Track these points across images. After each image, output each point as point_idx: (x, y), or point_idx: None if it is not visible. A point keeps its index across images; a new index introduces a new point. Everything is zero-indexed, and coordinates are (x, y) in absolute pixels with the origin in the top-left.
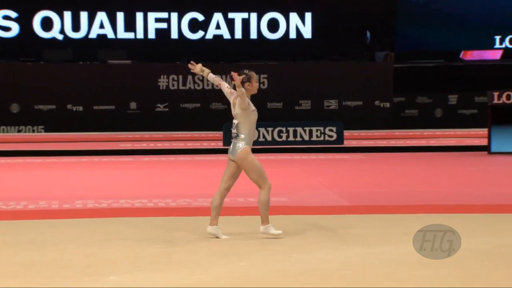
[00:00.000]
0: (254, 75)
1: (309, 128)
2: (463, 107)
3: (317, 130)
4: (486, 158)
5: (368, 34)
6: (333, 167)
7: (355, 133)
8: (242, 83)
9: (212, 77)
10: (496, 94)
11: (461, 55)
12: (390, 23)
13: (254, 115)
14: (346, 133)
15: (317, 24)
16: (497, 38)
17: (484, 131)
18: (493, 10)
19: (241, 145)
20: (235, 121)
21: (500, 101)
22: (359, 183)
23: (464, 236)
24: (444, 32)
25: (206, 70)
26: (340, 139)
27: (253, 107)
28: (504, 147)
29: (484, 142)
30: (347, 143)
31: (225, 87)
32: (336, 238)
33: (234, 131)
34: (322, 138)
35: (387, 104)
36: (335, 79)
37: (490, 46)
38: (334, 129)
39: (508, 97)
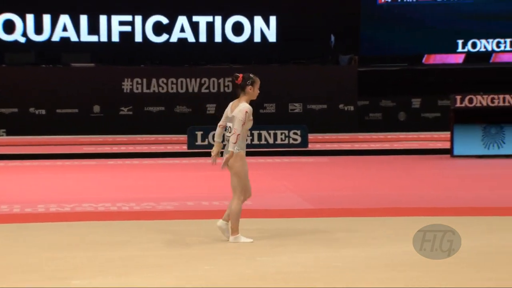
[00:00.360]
0: (258, 81)
1: (273, 131)
2: (426, 110)
3: (281, 134)
4: (449, 161)
5: (333, 37)
6: (298, 170)
7: (320, 136)
8: (245, 85)
9: (219, 134)
10: (458, 97)
11: (424, 59)
12: (355, 27)
13: (249, 124)
14: (311, 136)
15: (282, 27)
16: (460, 42)
17: (447, 134)
18: (455, 14)
19: (234, 149)
20: (229, 125)
21: (463, 105)
22: (323, 186)
23: None
24: (407, 36)
25: (218, 146)
26: (305, 142)
27: (251, 116)
28: (466, 150)
29: (447, 145)
30: (311, 147)
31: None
32: (300, 241)
33: (228, 134)
34: (286, 142)
35: (351, 108)
36: (300, 83)
37: (453, 50)
38: (298, 132)
39: (470, 101)
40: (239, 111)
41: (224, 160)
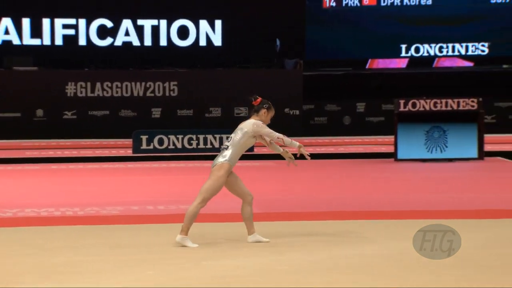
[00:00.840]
0: (273, 110)
1: (219, 135)
2: (370, 114)
3: (227, 138)
4: (393, 165)
5: (278, 42)
6: (243, 174)
7: None
8: (261, 108)
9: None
10: (402, 102)
11: (368, 64)
12: (300, 31)
13: (250, 142)
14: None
15: (227, 31)
16: (403, 47)
17: (391, 138)
18: (399, 19)
19: (224, 159)
20: (232, 135)
21: (406, 109)
22: (270, 190)
23: (368, 242)
24: (352, 41)
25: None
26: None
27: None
28: (409, 154)
29: (391, 149)
30: (257, 150)
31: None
32: (245, 245)
33: (227, 143)
34: None
35: (297, 112)
36: (245, 87)
37: (396, 55)
38: None
39: (413, 105)
40: (253, 123)
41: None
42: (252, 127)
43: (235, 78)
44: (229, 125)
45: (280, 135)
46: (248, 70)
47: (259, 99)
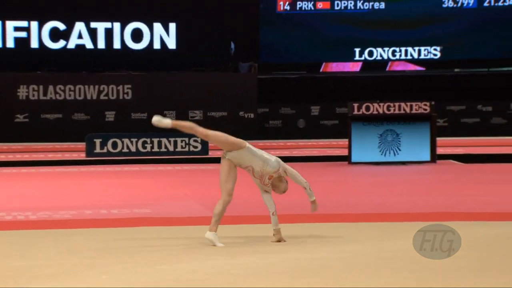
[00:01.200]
0: (284, 187)
1: (173, 139)
2: (325, 118)
3: (181, 141)
4: (347, 168)
5: (233, 45)
6: (198, 178)
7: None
8: (275, 178)
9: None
10: (356, 105)
11: (322, 67)
12: (254, 34)
13: (258, 181)
14: (211, 143)
15: (182, 34)
16: (357, 50)
17: (345, 141)
18: (352, 23)
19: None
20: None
21: (360, 112)
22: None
23: (322, 245)
24: (306, 44)
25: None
26: (205, 149)
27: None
28: (363, 157)
29: (345, 152)
30: (212, 154)
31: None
32: (200, 249)
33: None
34: (187, 149)
35: (251, 115)
36: (200, 90)
37: (350, 58)
38: (199, 139)
39: (367, 108)
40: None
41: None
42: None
43: (189, 81)
44: None
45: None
46: (203, 73)
47: (273, 176)
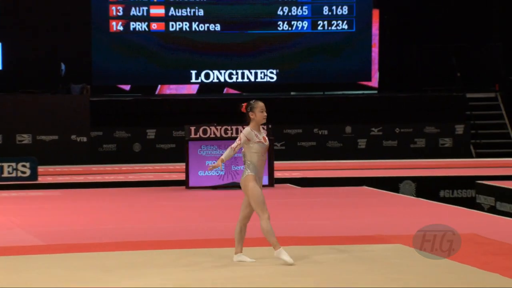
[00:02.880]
0: (258, 106)
1: (0, 164)
2: (161, 141)
3: (8, 166)
4: (184, 193)
5: (63, 66)
6: (27, 204)
7: (51, 168)
8: (247, 111)
9: (226, 155)
10: (192, 128)
11: (158, 89)
12: (86, 55)
13: (258, 146)
14: (41, 168)
15: (9, 54)
16: (193, 72)
17: (182, 165)
18: (188, 45)
19: (246, 172)
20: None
21: (197, 135)
22: (55, 221)
23: (156, 273)
24: (141, 66)
25: (221, 158)
26: (34, 175)
27: (257, 139)
28: (201, 182)
29: (182, 176)
30: (41, 179)
31: (234, 149)
32: (24, 280)
33: (243, 158)
34: (14, 175)
35: (84, 139)
36: (28, 113)
37: (186, 80)
38: (27, 164)
39: (204, 132)
40: (241, 133)
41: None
42: (241, 135)
43: (18, 103)
44: (11, 153)
45: (230, 149)
46: (32, 95)
47: (244, 104)
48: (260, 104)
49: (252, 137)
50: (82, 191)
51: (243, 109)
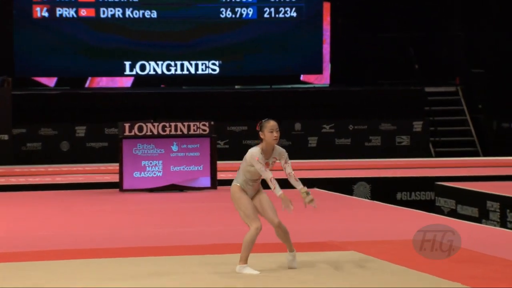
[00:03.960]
0: (268, 125)
1: None
2: (92, 139)
3: None
4: (118, 196)
5: None
6: None
7: None
8: (258, 131)
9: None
10: (127, 125)
11: (88, 82)
12: (8, 44)
13: (252, 170)
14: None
15: None
16: (127, 64)
17: (116, 166)
18: (122, 33)
19: (233, 182)
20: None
21: (132, 133)
22: None
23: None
24: (69, 57)
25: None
26: None
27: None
28: (136, 184)
29: (115, 178)
30: None
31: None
32: None
33: (240, 165)
34: None
35: (5, 137)
36: None
37: (120, 73)
38: None
39: (140, 129)
40: (251, 154)
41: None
42: (248, 157)
43: None
44: None
45: (271, 177)
46: None
47: (258, 123)
48: (271, 124)
49: (260, 160)
50: (4, 195)
51: (257, 128)
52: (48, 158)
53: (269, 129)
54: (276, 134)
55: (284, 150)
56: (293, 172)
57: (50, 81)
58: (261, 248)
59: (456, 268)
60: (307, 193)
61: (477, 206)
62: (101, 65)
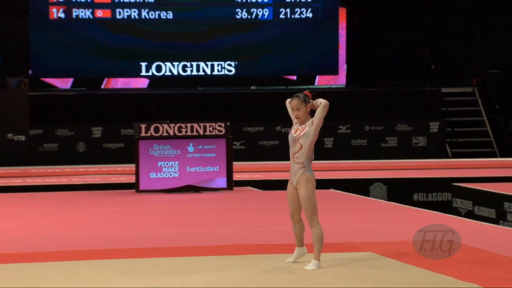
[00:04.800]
0: (289, 104)
1: None
2: (108, 140)
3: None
4: (135, 197)
5: None
6: None
7: None
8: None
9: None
10: (143, 126)
11: (104, 83)
12: (24, 44)
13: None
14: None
15: None
16: (143, 65)
17: (132, 167)
18: (138, 34)
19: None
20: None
21: (148, 134)
22: None
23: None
24: (85, 58)
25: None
26: None
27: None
28: (153, 185)
29: (132, 179)
30: None
31: None
32: None
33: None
34: None
35: (22, 138)
36: None
37: (136, 73)
38: None
39: (156, 130)
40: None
41: None
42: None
43: None
44: None
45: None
46: None
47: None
48: (290, 103)
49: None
50: (20, 195)
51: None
52: (64, 159)
53: (290, 107)
54: (295, 114)
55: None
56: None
57: (65, 84)
58: (276, 249)
59: (473, 269)
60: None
61: (494, 207)
62: (117, 66)
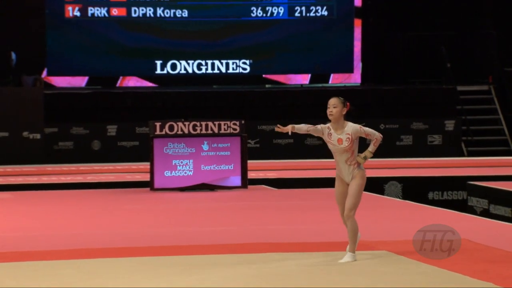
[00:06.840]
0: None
1: None
2: (123, 138)
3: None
4: (149, 195)
5: (14, 55)
6: None
7: (1, 168)
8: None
9: (299, 126)
10: (158, 124)
11: (119, 81)
12: (40, 43)
13: (329, 145)
14: None
15: None
16: (158, 63)
17: (147, 165)
18: (152, 32)
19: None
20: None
21: (163, 132)
22: (6, 227)
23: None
24: (101, 56)
25: (295, 126)
26: None
27: (327, 138)
28: (167, 183)
29: (146, 177)
30: None
31: (306, 128)
32: None
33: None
34: None
35: (38, 136)
36: None
37: (151, 71)
38: None
39: (171, 128)
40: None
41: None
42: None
43: None
44: None
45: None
46: None
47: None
48: (329, 101)
49: (323, 133)
50: (36, 193)
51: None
52: (79, 157)
53: (327, 105)
54: (329, 110)
55: (357, 126)
56: (373, 141)
57: (84, 79)
58: (291, 247)
59: (488, 268)
60: (364, 158)
61: (510, 206)
62: (132, 64)
